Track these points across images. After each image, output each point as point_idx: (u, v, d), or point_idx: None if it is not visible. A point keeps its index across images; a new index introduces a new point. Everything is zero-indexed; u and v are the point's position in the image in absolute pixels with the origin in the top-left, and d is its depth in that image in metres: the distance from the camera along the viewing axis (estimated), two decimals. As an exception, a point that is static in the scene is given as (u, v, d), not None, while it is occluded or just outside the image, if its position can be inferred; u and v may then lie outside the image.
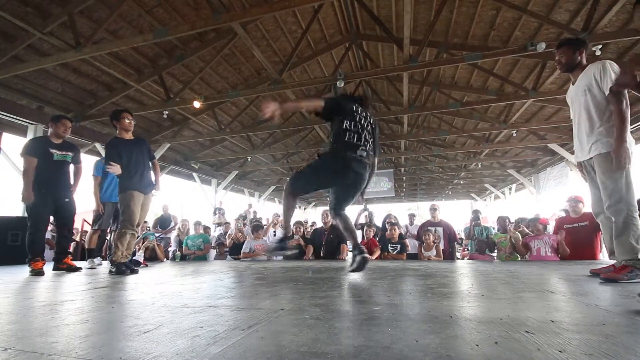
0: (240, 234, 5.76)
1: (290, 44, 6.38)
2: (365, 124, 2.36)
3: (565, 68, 2.36)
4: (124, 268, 2.94)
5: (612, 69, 2.06)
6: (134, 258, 4.82)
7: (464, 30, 5.84)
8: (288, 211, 2.47)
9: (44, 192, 3.28)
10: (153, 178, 3.44)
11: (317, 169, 2.38)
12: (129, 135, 3.34)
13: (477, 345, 0.83)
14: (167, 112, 7.03)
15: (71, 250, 5.66)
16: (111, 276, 2.78)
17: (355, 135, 2.28)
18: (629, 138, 2.05)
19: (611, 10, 4.50)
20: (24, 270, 3.19)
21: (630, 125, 2.13)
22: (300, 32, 5.93)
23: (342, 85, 5.64)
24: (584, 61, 2.31)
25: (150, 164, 3.40)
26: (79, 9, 4.59)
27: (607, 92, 2.06)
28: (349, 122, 2.29)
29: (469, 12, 5.43)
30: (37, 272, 2.98)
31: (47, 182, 3.30)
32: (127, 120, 3.31)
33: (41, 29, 4.53)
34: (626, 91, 2.06)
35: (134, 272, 3.08)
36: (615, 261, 2.25)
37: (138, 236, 5.87)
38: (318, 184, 2.43)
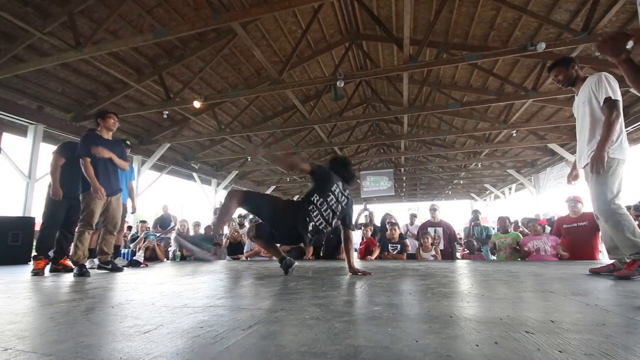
0: (236, 234, 5.76)
1: (290, 44, 6.38)
2: (333, 205, 2.53)
3: (566, 84, 2.46)
4: (82, 270, 2.87)
5: (608, 81, 2.17)
6: (134, 258, 4.84)
7: (464, 30, 5.84)
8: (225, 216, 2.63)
9: (65, 192, 3.32)
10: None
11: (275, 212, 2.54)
12: (108, 135, 3.31)
13: (477, 345, 0.83)
14: (167, 112, 7.03)
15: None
16: (76, 278, 2.71)
17: (316, 211, 2.45)
18: (624, 144, 2.16)
19: (611, 10, 4.51)
20: (24, 270, 3.20)
21: (630, 125, 2.19)
22: (300, 32, 5.93)
23: (342, 85, 5.64)
24: (581, 73, 2.43)
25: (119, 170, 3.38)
26: (79, 9, 4.59)
27: (601, 103, 2.17)
28: (317, 198, 2.46)
29: (469, 12, 5.43)
30: (37, 272, 2.98)
31: (70, 181, 3.34)
32: (112, 120, 3.29)
33: (41, 29, 4.53)
34: (620, 104, 2.16)
35: (118, 269, 3.14)
36: (614, 260, 2.30)
37: (140, 236, 5.91)
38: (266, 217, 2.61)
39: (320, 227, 2.47)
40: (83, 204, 3.08)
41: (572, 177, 2.59)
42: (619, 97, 2.15)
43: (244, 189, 2.73)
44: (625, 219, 2.08)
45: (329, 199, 2.48)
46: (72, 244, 3.09)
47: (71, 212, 3.47)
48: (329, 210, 2.48)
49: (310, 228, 2.41)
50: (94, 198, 3.04)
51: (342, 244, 2.68)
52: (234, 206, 2.55)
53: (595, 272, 2.34)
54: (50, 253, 3.54)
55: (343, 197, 2.58)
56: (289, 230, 2.46)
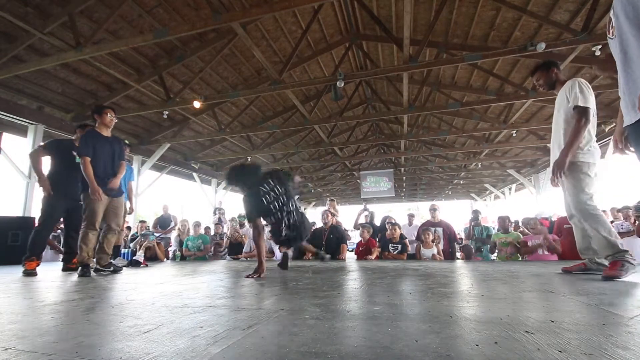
0: (237, 234, 5.76)
1: (290, 44, 6.38)
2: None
3: (548, 87, 2.53)
4: (84, 270, 2.86)
5: (580, 87, 2.21)
6: (134, 258, 4.84)
7: (464, 30, 5.84)
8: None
9: (62, 192, 3.28)
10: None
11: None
12: (107, 132, 3.22)
13: (477, 345, 0.83)
14: (167, 112, 7.02)
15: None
16: (80, 278, 2.71)
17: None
18: (592, 148, 2.22)
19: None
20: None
21: (598, 141, 2.30)
22: (300, 32, 5.93)
23: (342, 85, 5.64)
24: (562, 77, 2.48)
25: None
26: (79, 9, 4.59)
27: (572, 109, 2.22)
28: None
29: (468, 13, 5.43)
30: (29, 273, 2.93)
31: (66, 182, 3.31)
32: (109, 116, 3.20)
33: (41, 29, 4.53)
34: (592, 112, 2.20)
35: (117, 270, 3.13)
36: (585, 260, 2.39)
37: (141, 236, 5.90)
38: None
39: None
40: (84, 204, 3.06)
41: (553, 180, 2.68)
42: (590, 105, 2.19)
43: None
44: (601, 219, 2.15)
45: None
46: (77, 245, 3.08)
47: (73, 213, 3.45)
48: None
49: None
50: (94, 203, 3.02)
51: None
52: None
53: (567, 271, 2.42)
54: (59, 254, 3.53)
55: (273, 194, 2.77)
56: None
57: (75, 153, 3.39)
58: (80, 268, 2.91)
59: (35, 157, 3.32)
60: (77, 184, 3.34)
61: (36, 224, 3.39)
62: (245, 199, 2.74)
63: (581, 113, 2.17)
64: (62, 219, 3.65)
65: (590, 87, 2.24)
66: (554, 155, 2.42)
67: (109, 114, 3.21)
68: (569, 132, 2.23)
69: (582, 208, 2.19)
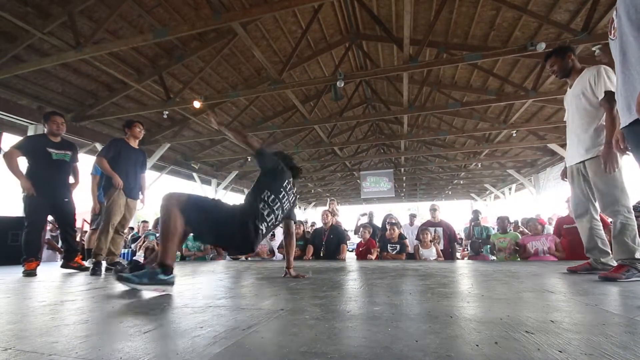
0: None
1: (290, 44, 6.38)
2: (285, 203, 2.25)
3: (562, 74, 2.43)
4: (96, 269, 2.98)
5: (607, 75, 2.11)
6: (134, 258, 4.84)
7: (464, 30, 5.84)
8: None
9: (43, 192, 3.23)
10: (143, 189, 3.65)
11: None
12: (134, 144, 3.53)
13: (477, 345, 0.83)
14: (167, 112, 7.02)
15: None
16: (93, 276, 2.77)
17: (268, 209, 2.12)
18: None
19: (611, 10, 4.50)
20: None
21: None
22: (300, 32, 5.92)
23: (342, 85, 5.64)
24: (578, 64, 2.38)
25: (140, 176, 3.57)
26: (79, 9, 4.59)
27: (600, 97, 2.12)
28: (269, 195, 2.14)
29: (469, 12, 5.43)
30: (29, 273, 2.92)
31: (46, 181, 3.26)
32: (138, 129, 3.53)
33: (41, 29, 4.52)
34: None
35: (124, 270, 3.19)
36: (590, 259, 2.36)
37: (142, 236, 5.90)
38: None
39: (271, 227, 2.21)
40: (105, 203, 3.26)
41: (563, 173, 2.64)
42: None
43: (182, 193, 1.96)
44: (632, 224, 2.08)
45: (280, 196, 2.19)
46: (96, 239, 3.24)
47: (62, 213, 3.42)
48: (280, 209, 2.19)
49: (263, 230, 2.08)
50: (115, 197, 3.19)
51: (283, 239, 2.39)
52: (179, 222, 1.91)
53: (573, 271, 2.39)
54: (59, 254, 3.53)
55: (292, 194, 2.35)
56: (240, 239, 2.00)
57: (49, 149, 3.30)
58: (92, 267, 3.01)
59: (10, 159, 3.18)
60: (57, 181, 3.38)
61: (24, 226, 3.27)
62: (296, 197, 2.44)
63: (613, 100, 2.03)
64: (53, 218, 3.67)
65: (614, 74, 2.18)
66: (572, 144, 2.33)
67: (137, 127, 3.53)
68: (600, 121, 2.11)
69: (618, 209, 2.09)
